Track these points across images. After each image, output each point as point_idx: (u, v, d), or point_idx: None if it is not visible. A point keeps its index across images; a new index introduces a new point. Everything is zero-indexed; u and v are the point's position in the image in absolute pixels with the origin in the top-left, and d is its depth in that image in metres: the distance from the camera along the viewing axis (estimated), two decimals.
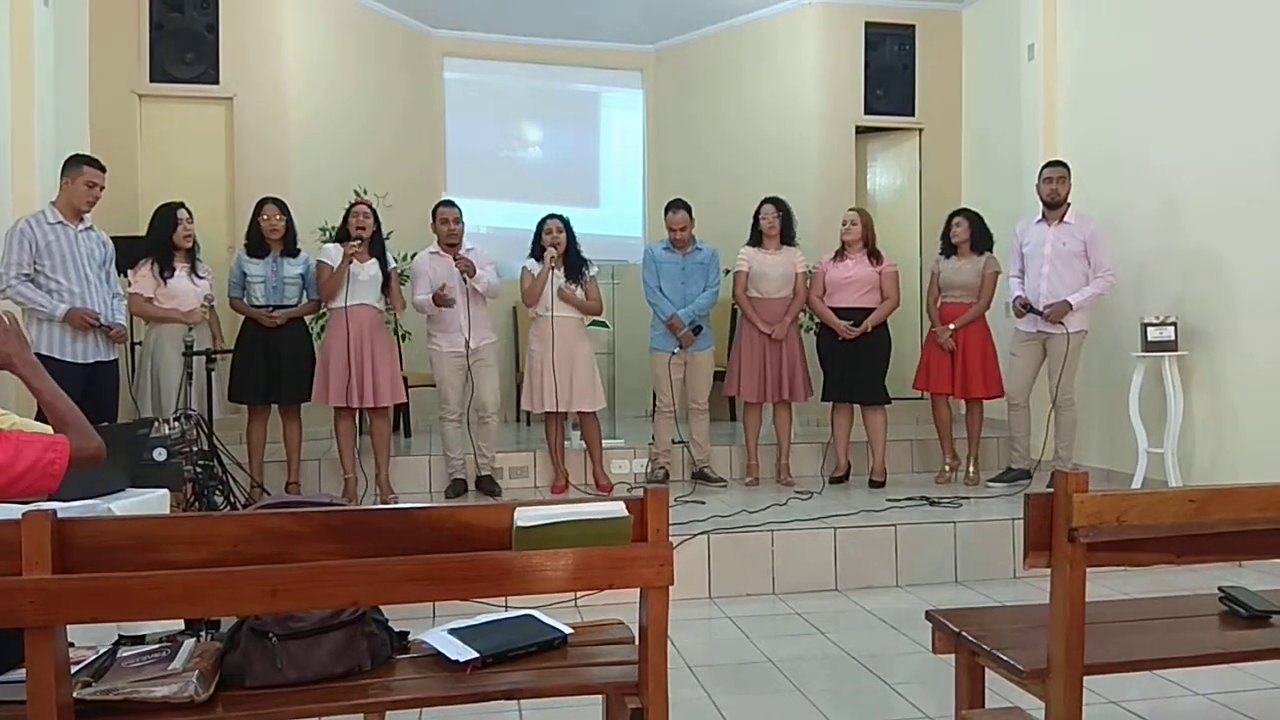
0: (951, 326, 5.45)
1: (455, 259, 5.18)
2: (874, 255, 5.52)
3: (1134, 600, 2.72)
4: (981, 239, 5.53)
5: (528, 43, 7.97)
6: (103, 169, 4.46)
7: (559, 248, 5.24)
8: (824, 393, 5.63)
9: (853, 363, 5.46)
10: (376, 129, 7.13)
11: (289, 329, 5.09)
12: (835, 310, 5.49)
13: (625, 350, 6.58)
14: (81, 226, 4.44)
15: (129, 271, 4.84)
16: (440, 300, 5.11)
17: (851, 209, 5.75)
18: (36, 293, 4.24)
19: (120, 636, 2.00)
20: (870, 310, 5.46)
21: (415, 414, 6.80)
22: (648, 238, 7.85)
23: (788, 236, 5.57)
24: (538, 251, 5.30)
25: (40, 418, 2.30)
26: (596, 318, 5.54)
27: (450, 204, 5.31)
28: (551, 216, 5.34)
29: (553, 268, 5.21)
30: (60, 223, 4.35)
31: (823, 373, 5.62)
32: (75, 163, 4.41)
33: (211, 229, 5.90)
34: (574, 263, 5.31)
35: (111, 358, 4.53)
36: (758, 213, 5.57)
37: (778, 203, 5.56)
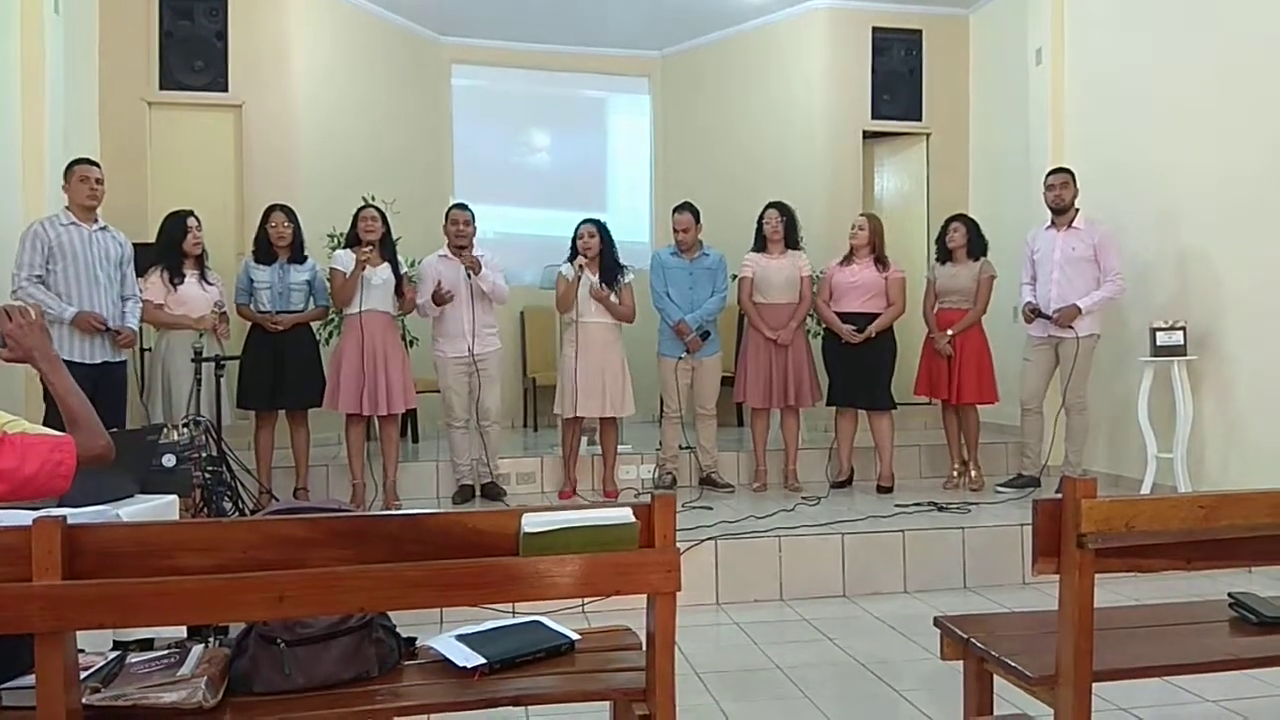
0: (949, 332, 5.45)
1: (461, 256, 5.18)
2: (880, 261, 5.51)
3: (1143, 606, 2.72)
4: (978, 244, 5.52)
5: (535, 49, 7.99)
6: (95, 164, 4.51)
7: (589, 253, 5.24)
8: (829, 397, 5.63)
9: (858, 368, 5.45)
10: (385, 136, 7.15)
11: (295, 335, 5.11)
12: (840, 315, 5.49)
13: (633, 355, 6.56)
14: (96, 227, 4.50)
15: (139, 279, 4.86)
16: (439, 298, 5.11)
17: (862, 214, 5.76)
18: (46, 295, 4.29)
19: (115, 642, 2.00)
20: (875, 315, 5.45)
21: (422, 420, 6.82)
22: (655, 243, 7.86)
23: (791, 241, 5.57)
24: (574, 257, 5.30)
25: (47, 421, 2.31)
26: None
27: (463, 206, 5.32)
28: (586, 221, 5.33)
29: (579, 275, 5.21)
30: (74, 223, 4.42)
31: (828, 377, 5.62)
32: (69, 167, 4.50)
33: (220, 236, 5.93)
34: (609, 268, 5.29)
35: (119, 359, 4.57)
36: (761, 217, 5.57)
37: (781, 207, 5.57)
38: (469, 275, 5.16)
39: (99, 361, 4.42)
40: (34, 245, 4.31)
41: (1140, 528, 1.97)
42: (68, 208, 4.46)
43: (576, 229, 5.32)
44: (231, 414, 5.11)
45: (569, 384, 5.25)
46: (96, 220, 4.52)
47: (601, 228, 5.31)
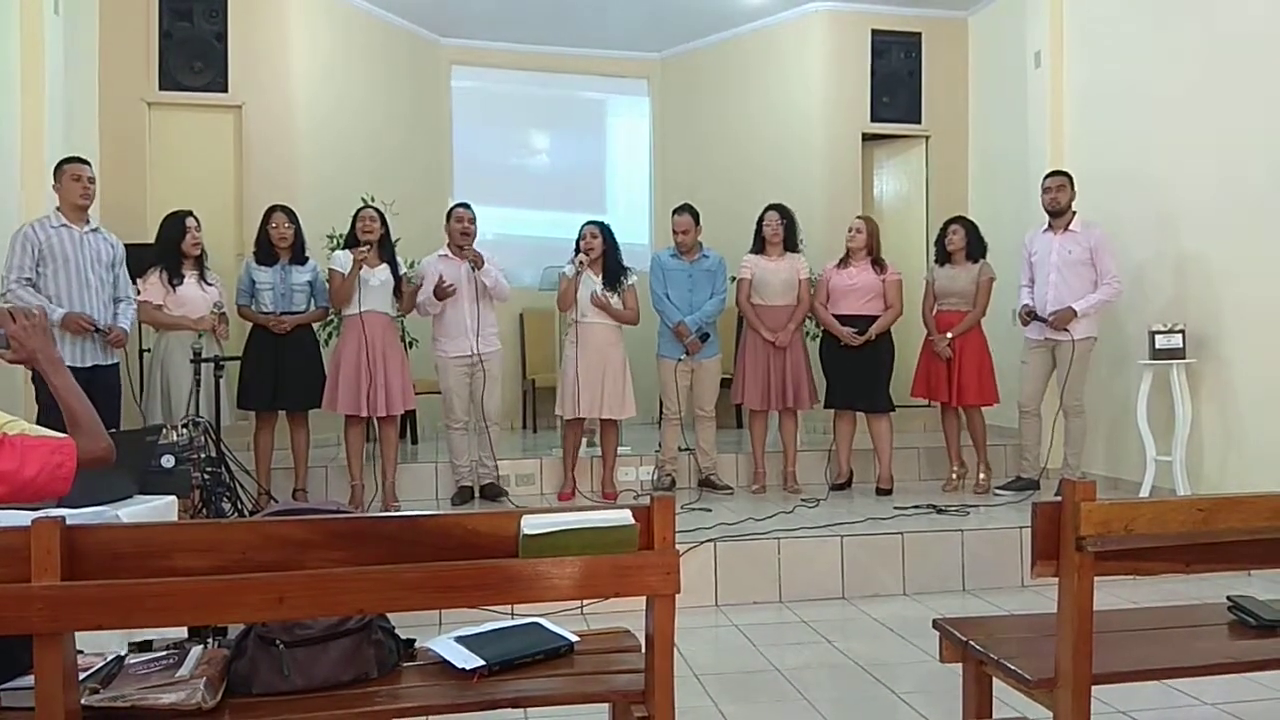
0: (949, 335, 5.45)
1: (463, 252, 5.17)
2: (878, 263, 5.52)
3: (1142, 609, 2.71)
4: (977, 246, 5.53)
5: (535, 51, 7.99)
6: (86, 163, 4.50)
7: (592, 254, 5.24)
8: (827, 400, 5.63)
9: (856, 370, 5.45)
10: (385, 137, 7.15)
11: (296, 336, 5.10)
12: (838, 317, 5.49)
13: (632, 357, 6.58)
14: (88, 228, 4.48)
15: (138, 280, 4.86)
16: (441, 291, 5.10)
17: (859, 216, 5.77)
18: (35, 297, 4.25)
19: (130, 644, 2.00)
20: (873, 318, 5.45)
21: (422, 421, 6.81)
22: (654, 244, 7.87)
23: (791, 243, 5.58)
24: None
25: (41, 422, 2.31)
26: None
27: (466, 205, 5.34)
28: (590, 223, 5.35)
29: (579, 273, 5.21)
30: (65, 225, 4.39)
31: (825, 380, 5.62)
32: (59, 166, 4.47)
33: (220, 237, 5.92)
34: (612, 270, 5.30)
35: (110, 362, 4.53)
36: (761, 219, 5.58)
37: (781, 209, 5.57)
38: (472, 269, 5.16)
39: (89, 365, 4.37)
40: (24, 247, 4.27)
41: (1139, 530, 1.97)
42: (58, 208, 4.42)
43: (580, 230, 5.33)
44: (231, 415, 5.11)
45: (570, 385, 5.26)
46: (88, 221, 4.49)
47: (605, 229, 5.32)
